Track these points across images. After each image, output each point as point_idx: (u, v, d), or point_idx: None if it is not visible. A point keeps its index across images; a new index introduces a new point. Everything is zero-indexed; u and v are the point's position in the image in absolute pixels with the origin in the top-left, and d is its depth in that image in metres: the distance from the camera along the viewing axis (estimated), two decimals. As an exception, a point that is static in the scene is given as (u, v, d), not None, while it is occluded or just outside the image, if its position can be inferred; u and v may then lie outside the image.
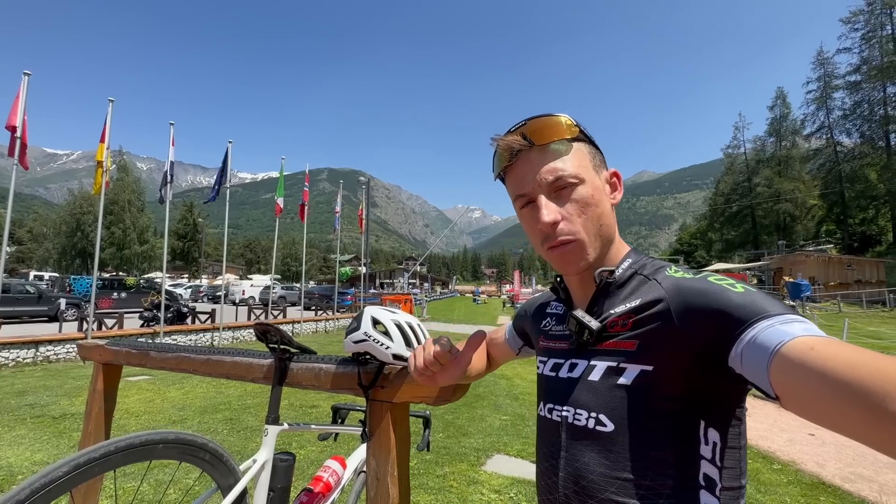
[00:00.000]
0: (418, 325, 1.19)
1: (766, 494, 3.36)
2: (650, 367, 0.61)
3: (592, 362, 0.68)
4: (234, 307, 21.47)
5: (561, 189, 0.68)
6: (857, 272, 29.46)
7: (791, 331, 0.48)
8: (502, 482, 3.36)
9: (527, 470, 3.61)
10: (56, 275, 32.24)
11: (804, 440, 4.70)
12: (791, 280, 23.88)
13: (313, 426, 1.48)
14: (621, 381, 0.63)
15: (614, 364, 0.64)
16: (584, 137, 0.71)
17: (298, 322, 15.16)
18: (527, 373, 8.09)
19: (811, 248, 36.87)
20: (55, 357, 8.85)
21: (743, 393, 0.62)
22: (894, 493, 3.42)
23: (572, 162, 0.68)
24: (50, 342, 8.88)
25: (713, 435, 0.60)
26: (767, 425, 5.20)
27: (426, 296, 44.12)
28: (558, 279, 0.81)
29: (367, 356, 1.17)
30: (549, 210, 0.67)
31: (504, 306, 35.41)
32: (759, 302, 0.54)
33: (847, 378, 0.41)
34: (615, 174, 0.75)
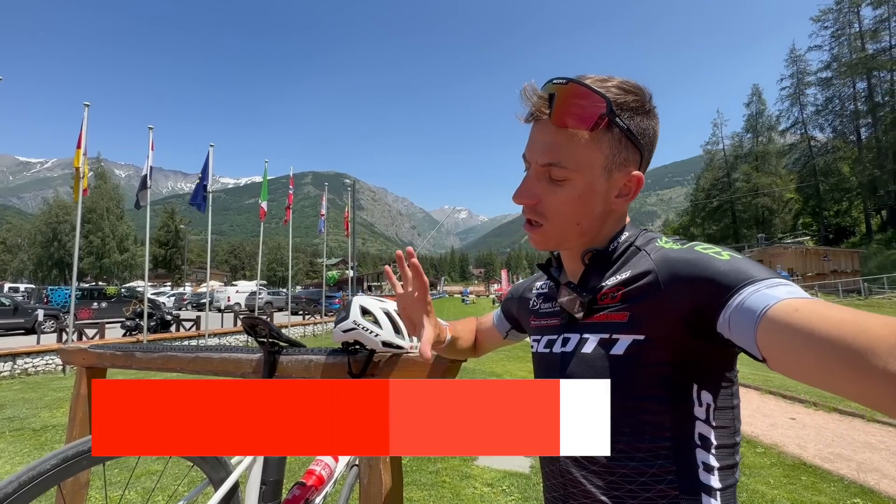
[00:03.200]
0: (407, 314, 1.20)
1: (751, 477, 3.45)
2: (642, 337, 0.62)
3: (584, 335, 0.68)
4: (220, 314, 21.09)
5: (552, 175, 0.66)
6: (833, 263, 30.40)
7: (776, 294, 0.49)
8: (494, 476, 3.39)
9: (518, 463, 3.64)
10: (32, 286, 31.20)
11: (786, 424, 4.83)
12: (771, 272, 24.52)
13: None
14: (614, 351, 0.64)
15: (606, 336, 0.65)
16: (616, 127, 0.63)
17: (286, 327, 15.04)
18: (516, 369, 8.14)
19: (789, 241, 37.93)
20: (34, 370, 8.59)
21: (733, 356, 0.63)
22: (871, 470, 3.56)
23: (579, 154, 0.63)
24: (28, 354, 8.62)
25: (706, 397, 0.62)
26: (750, 411, 5.34)
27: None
28: (554, 251, 0.80)
29: (357, 345, 1.18)
30: (523, 190, 0.69)
31: (493, 304, 35.57)
32: (744, 268, 0.54)
33: (831, 337, 0.42)
34: (635, 179, 0.67)
